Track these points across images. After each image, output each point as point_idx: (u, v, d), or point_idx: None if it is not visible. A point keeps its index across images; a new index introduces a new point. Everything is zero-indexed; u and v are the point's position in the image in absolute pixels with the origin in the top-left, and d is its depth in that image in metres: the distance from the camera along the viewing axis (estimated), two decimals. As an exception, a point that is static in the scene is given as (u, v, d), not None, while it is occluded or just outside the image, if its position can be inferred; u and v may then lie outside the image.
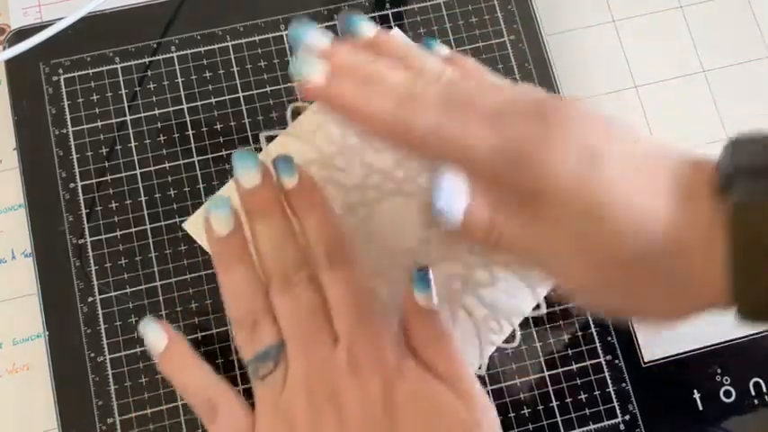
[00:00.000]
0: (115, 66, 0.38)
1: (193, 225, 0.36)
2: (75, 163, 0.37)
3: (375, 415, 0.28)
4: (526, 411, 0.35)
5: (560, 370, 0.36)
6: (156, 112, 0.38)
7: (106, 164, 0.37)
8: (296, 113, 0.38)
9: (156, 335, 0.31)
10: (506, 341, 0.36)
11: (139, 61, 0.39)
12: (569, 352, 0.36)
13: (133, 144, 0.37)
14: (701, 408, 0.36)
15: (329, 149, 0.37)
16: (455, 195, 0.30)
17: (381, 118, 0.27)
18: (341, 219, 0.33)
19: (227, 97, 0.38)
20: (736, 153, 0.26)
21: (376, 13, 0.40)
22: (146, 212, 0.36)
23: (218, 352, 0.35)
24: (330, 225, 0.32)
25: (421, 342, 0.31)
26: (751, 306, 0.24)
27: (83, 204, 0.36)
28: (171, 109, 0.38)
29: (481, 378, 0.35)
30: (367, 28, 0.30)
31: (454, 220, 0.30)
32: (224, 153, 0.37)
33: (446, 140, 0.26)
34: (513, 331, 0.36)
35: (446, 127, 0.26)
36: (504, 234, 0.29)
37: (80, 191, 0.36)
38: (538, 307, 0.36)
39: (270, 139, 0.37)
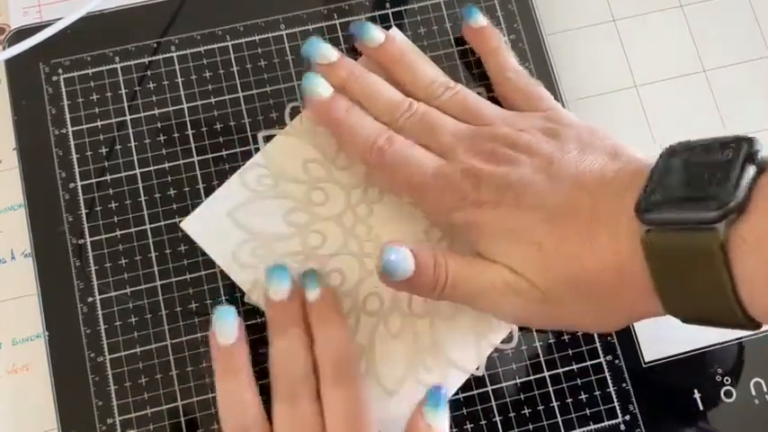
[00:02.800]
0: (115, 65, 0.38)
1: (191, 224, 0.36)
2: (75, 163, 0.37)
3: None
4: (526, 411, 0.35)
5: (560, 370, 0.36)
6: (156, 111, 0.38)
7: (106, 164, 0.37)
8: (295, 112, 0.38)
9: (230, 327, 0.32)
10: (504, 341, 0.36)
11: (139, 61, 0.38)
12: (569, 352, 0.36)
13: (133, 144, 0.37)
14: (701, 408, 0.36)
15: (330, 148, 0.37)
16: (405, 253, 0.31)
17: (357, 139, 0.34)
18: (352, 335, 0.34)
19: (227, 97, 0.38)
20: (658, 170, 0.27)
21: (376, 13, 0.40)
22: (146, 212, 0.36)
23: (218, 352, 0.35)
24: (341, 341, 0.32)
25: None
26: (685, 317, 0.26)
27: (83, 204, 0.36)
28: (171, 109, 0.38)
29: (480, 379, 0.35)
30: (376, 34, 0.36)
31: (406, 267, 0.31)
32: (224, 153, 0.37)
33: (400, 165, 0.32)
34: (511, 332, 0.36)
35: (401, 154, 0.33)
36: (450, 278, 0.31)
37: (80, 191, 0.36)
38: (510, 340, 0.36)
39: (268, 138, 0.37)
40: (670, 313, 0.27)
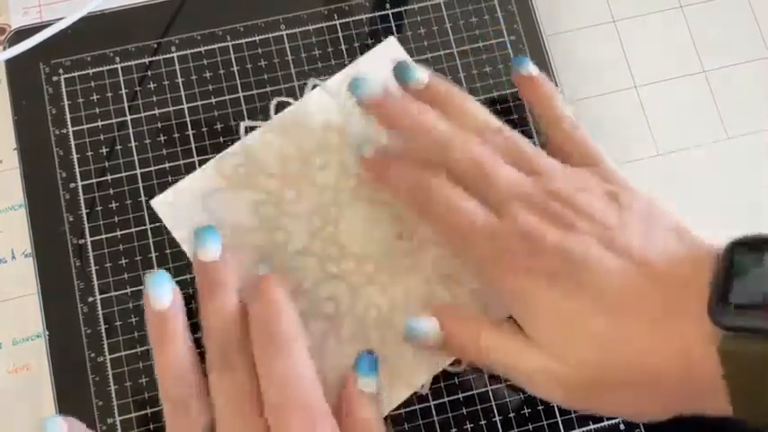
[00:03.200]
0: (115, 66, 0.38)
1: (160, 203, 0.36)
2: (76, 163, 0.37)
3: None
4: (526, 411, 0.35)
5: (560, 370, 0.36)
6: (157, 111, 0.38)
7: (106, 164, 0.37)
8: (280, 107, 0.38)
9: (164, 290, 0.31)
10: (453, 364, 0.35)
11: (140, 61, 0.39)
12: (569, 352, 0.36)
13: (133, 144, 0.37)
14: (701, 408, 0.36)
15: (308, 146, 0.37)
16: (431, 325, 0.31)
17: (408, 166, 0.32)
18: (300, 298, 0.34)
19: (227, 97, 0.38)
20: (729, 266, 0.25)
21: (376, 13, 0.40)
22: (146, 212, 0.36)
23: (218, 352, 0.35)
24: (278, 308, 0.30)
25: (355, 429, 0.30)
26: (755, 420, 0.25)
27: (83, 204, 0.36)
28: (171, 109, 0.38)
29: (480, 378, 0.35)
30: (420, 76, 0.34)
31: (433, 334, 0.31)
32: (224, 153, 0.37)
33: (446, 209, 0.31)
34: None
35: (450, 201, 0.31)
36: (484, 352, 0.30)
37: (80, 191, 0.36)
38: (459, 363, 0.35)
39: (249, 129, 0.37)
40: (740, 417, 0.25)
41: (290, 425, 0.28)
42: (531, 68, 0.35)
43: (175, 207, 0.36)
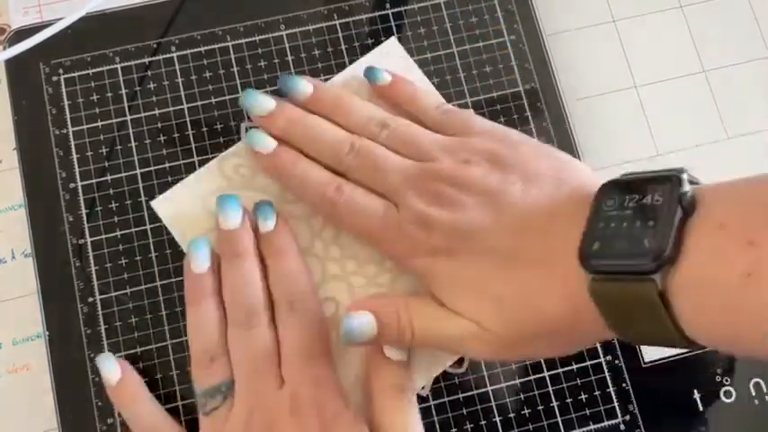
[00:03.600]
0: (115, 66, 0.38)
1: (161, 204, 0.36)
2: (76, 163, 0.37)
3: None
4: (526, 411, 0.35)
5: (560, 370, 0.36)
6: (157, 112, 0.38)
7: (106, 164, 0.37)
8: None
9: (111, 369, 0.33)
10: (454, 366, 0.35)
11: (139, 61, 0.39)
12: (569, 352, 0.36)
13: (133, 144, 0.37)
14: (701, 408, 0.36)
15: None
16: (367, 318, 0.32)
17: (307, 192, 0.34)
18: (308, 264, 0.35)
19: (227, 97, 0.38)
20: (597, 211, 0.27)
21: (376, 13, 0.40)
22: (146, 213, 0.36)
23: (218, 352, 0.35)
24: (296, 271, 0.33)
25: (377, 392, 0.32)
26: (633, 343, 0.29)
27: (83, 204, 0.36)
28: (171, 109, 0.38)
29: (480, 378, 0.35)
30: (304, 86, 0.36)
31: (368, 331, 0.32)
32: (224, 153, 0.37)
33: (353, 215, 0.33)
34: (462, 357, 0.35)
35: (353, 205, 0.33)
36: (417, 328, 0.31)
37: (80, 191, 0.36)
38: (460, 365, 0.35)
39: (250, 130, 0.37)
40: (624, 341, 0.28)
41: (305, 377, 0.31)
42: (384, 77, 0.37)
43: (176, 207, 0.36)
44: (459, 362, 0.35)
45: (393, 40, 0.39)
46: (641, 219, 0.26)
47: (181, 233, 0.35)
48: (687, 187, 0.25)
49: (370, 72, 0.37)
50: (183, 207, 0.36)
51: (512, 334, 0.29)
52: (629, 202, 0.26)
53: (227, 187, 0.36)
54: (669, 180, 0.26)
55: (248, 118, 0.38)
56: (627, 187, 0.27)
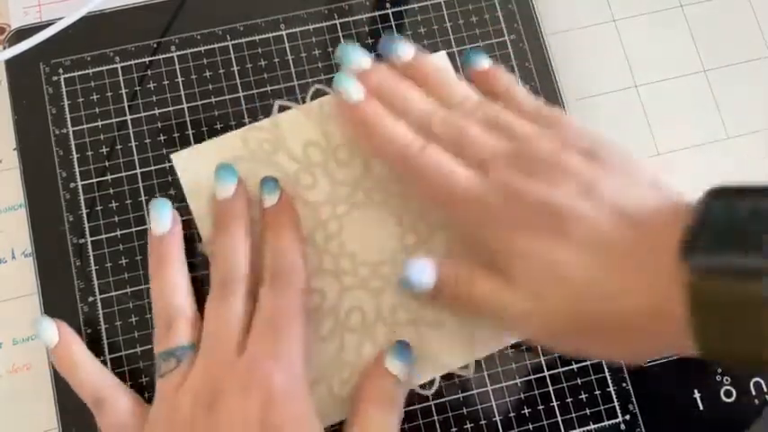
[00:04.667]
0: (115, 65, 0.38)
1: (181, 159, 0.36)
2: (76, 162, 0.37)
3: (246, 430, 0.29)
4: (526, 411, 0.35)
5: (560, 370, 0.36)
6: (157, 111, 0.38)
7: (106, 163, 0.37)
8: (318, 94, 0.38)
9: (49, 332, 0.33)
10: (461, 368, 0.35)
11: (139, 61, 0.39)
12: (569, 352, 0.36)
13: (133, 144, 0.37)
14: (701, 408, 0.36)
15: (336, 139, 0.37)
16: (426, 269, 0.32)
17: (389, 146, 0.32)
18: (307, 244, 0.35)
19: (227, 97, 0.38)
20: (705, 211, 0.26)
21: (376, 13, 0.40)
22: (146, 212, 0.36)
23: (218, 352, 0.35)
24: (287, 248, 0.33)
25: (366, 397, 0.32)
26: (716, 357, 0.26)
27: (83, 204, 0.36)
28: (171, 109, 0.38)
29: (480, 378, 0.35)
30: (405, 50, 0.35)
31: (424, 281, 0.32)
32: (224, 153, 0.37)
33: (436, 174, 0.31)
34: (468, 364, 0.35)
35: (436, 166, 0.31)
36: (474, 292, 0.31)
37: (80, 190, 0.36)
38: (466, 367, 0.35)
39: (283, 108, 0.38)
40: (703, 355, 0.26)
41: (265, 349, 0.30)
42: (482, 62, 0.35)
43: (194, 165, 0.36)
44: (465, 366, 0.35)
45: (442, 54, 0.39)
46: (755, 221, 0.24)
47: (189, 191, 0.36)
48: None
49: (471, 54, 0.35)
50: (198, 166, 0.36)
51: (577, 321, 0.28)
52: (741, 204, 0.25)
53: (248, 158, 0.36)
54: None
55: (248, 117, 0.38)
56: (738, 192, 0.26)
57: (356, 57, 0.34)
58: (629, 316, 0.27)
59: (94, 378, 0.32)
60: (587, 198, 0.29)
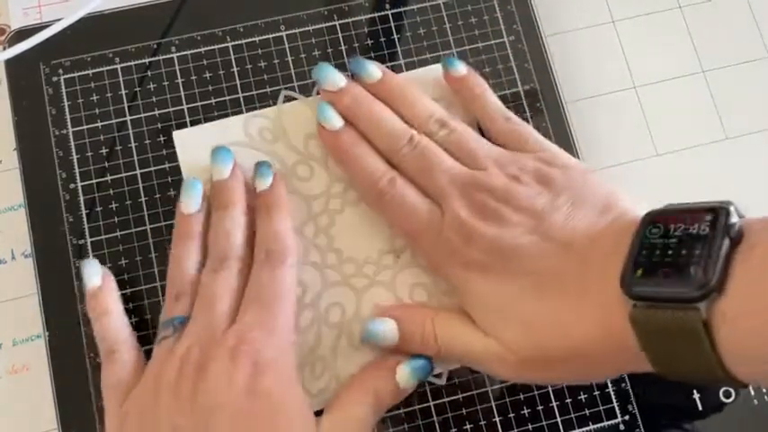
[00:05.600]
0: (115, 66, 0.38)
1: (181, 137, 0.37)
2: (76, 163, 0.37)
3: (233, 397, 0.29)
4: (526, 411, 0.35)
5: (560, 370, 0.36)
6: (157, 112, 0.38)
7: (106, 164, 0.37)
8: (288, 100, 0.38)
9: (93, 275, 0.34)
10: (434, 376, 0.35)
11: (139, 62, 0.39)
12: (569, 352, 0.36)
13: (133, 144, 0.37)
14: (700, 408, 0.36)
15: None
16: (388, 327, 0.33)
17: (362, 177, 0.34)
18: (299, 231, 0.36)
19: (227, 98, 0.38)
20: (640, 240, 0.27)
21: (375, 14, 0.40)
22: (146, 213, 0.36)
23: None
24: (281, 229, 0.34)
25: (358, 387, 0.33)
26: (674, 377, 0.27)
27: (83, 205, 0.36)
28: (171, 109, 0.38)
29: (480, 378, 0.35)
30: (373, 70, 0.36)
31: (389, 338, 0.33)
32: (224, 153, 0.37)
33: (399, 210, 0.33)
34: (441, 372, 0.35)
35: (401, 201, 0.33)
36: (441, 341, 0.32)
37: (80, 191, 0.37)
38: (439, 375, 0.35)
39: (288, 99, 0.38)
40: (661, 374, 0.27)
41: (254, 322, 0.31)
42: (459, 68, 0.37)
43: (194, 144, 0.36)
44: (439, 374, 0.35)
45: (437, 66, 0.39)
46: (687, 247, 0.25)
47: (186, 169, 0.36)
48: (735, 218, 0.25)
49: (448, 60, 0.37)
50: (197, 148, 0.36)
51: (536, 357, 0.29)
52: (675, 231, 0.26)
53: (246, 144, 0.37)
54: (716, 211, 0.26)
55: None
56: (672, 217, 0.27)
57: (332, 77, 0.36)
58: (584, 345, 0.28)
59: (117, 329, 0.33)
60: (535, 233, 0.31)
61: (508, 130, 0.35)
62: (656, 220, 0.27)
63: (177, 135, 0.37)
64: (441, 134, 0.35)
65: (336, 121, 0.35)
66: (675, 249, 0.26)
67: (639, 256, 0.27)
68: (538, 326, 0.29)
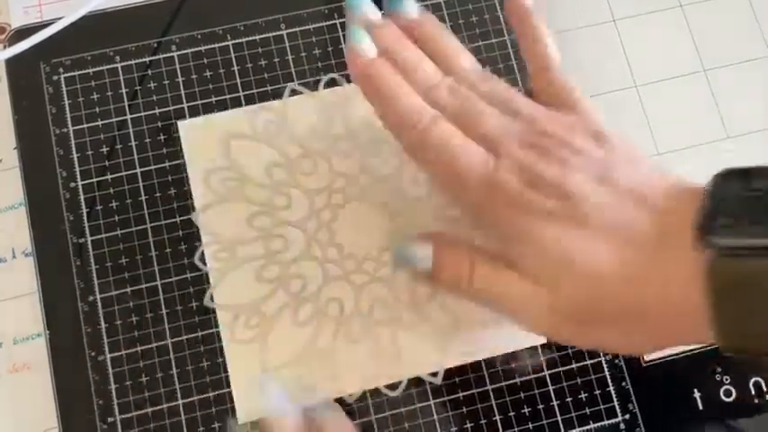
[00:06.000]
0: (115, 65, 0.38)
1: (186, 127, 0.37)
2: (76, 162, 0.37)
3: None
4: (526, 410, 0.35)
5: (560, 369, 0.36)
6: (157, 111, 0.38)
7: (107, 163, 0.37)
8: (294, 94, 0.38)
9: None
10: (390, 387, 0.35)
11: (140, 60, 0.39)
12: (569, 351, 0.36)
13: (134, 143, 0.37)
14: (701, 407, 0.36)
15: (339, 129, 0.37)
16: (425, 247, 0.32)
17: (400, 113, 0.30)
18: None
19: (227, 97, 0.38)
20: (717, 193, 0.26)
21: (376, 13, 0.40)
22: (146, 211, 0.36)
23: (218, 351, 0.35)
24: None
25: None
26: (734, 348, 0.25)
27: (83, 203, 0.36)
28: (171, 108, 0.38)
29: (480, 378, 0.35)
30: (410, 7, 0.33)
31: (425, 261, 0.31)
32: (224, 152, 0.37)
33: (443, 151, 0.30)
34: (401, 382, 0.35)
35: (447, 141, 0.30)
36: (476, 276, 0.30)
37: (80, 190, 0.36)
38: (435, 375, 0.35)
39: (294, 93, 0.38)
40: (720, 343, 0.25)
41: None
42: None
43: (197, 133, 0.37)
44: (435, 373, 0.35)
45: None
46: None
47: (189, 158, 0.36)
48: None
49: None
50: (202, 136, 0.37)
51: (587, 312, 0.28)
52: (754, 184, 0.25)
53: (251, 137, 0.37)
54: None
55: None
56: (745, 173, 0.26)
57: (366, 6, 0.32)
58: (648, 303, 0.26)
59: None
60: (602, 183, 0.28)
61: (561, 83, 0.33)
62: (730, 175, 0.26)
63: (182, 125, 0.37)
64: (484, 87, 0.31)
65: (371, 48, 0.31)
66: (755, 200, 0.25)
67: (717, 208, 0.25)
68: (600, 279, 0.27)
